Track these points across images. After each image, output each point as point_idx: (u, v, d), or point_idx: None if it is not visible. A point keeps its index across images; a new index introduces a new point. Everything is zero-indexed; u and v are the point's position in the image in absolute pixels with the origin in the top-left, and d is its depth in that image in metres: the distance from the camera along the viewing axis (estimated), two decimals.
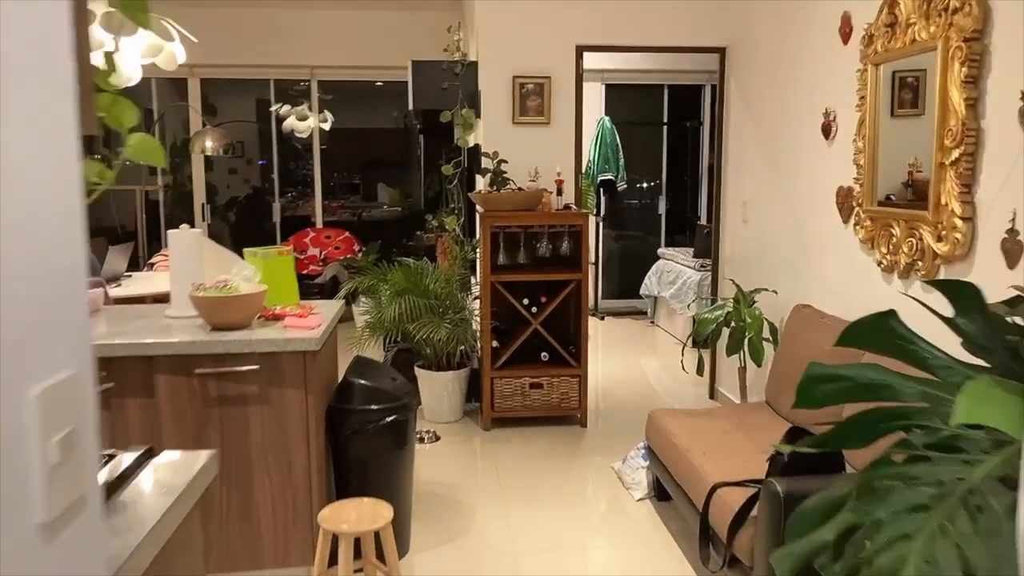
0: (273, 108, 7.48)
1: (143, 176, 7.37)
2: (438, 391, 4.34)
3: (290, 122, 7.52)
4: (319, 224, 7.52)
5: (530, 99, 4.38)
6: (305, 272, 7.09)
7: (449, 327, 4.08)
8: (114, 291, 4.39)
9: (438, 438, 4.14)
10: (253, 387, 2.43)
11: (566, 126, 4.46)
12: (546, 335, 4.20)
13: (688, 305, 5.85)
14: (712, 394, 4.81)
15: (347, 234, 7.34)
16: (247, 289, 2.55)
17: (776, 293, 3.74)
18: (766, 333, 3.56)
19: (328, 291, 6.77)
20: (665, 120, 7.67)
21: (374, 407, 2.71)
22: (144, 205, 7.35)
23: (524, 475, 3.68)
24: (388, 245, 7.70)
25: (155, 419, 2.41)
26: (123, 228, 7.66)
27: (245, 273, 2.61)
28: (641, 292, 6.96)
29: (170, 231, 2.70)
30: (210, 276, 2.71)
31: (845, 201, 3.19)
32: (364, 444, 2.73)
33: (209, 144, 5.90)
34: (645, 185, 7.91)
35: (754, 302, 3.75)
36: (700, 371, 3.94)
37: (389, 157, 9.46)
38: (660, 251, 6.96)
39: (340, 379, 2.85)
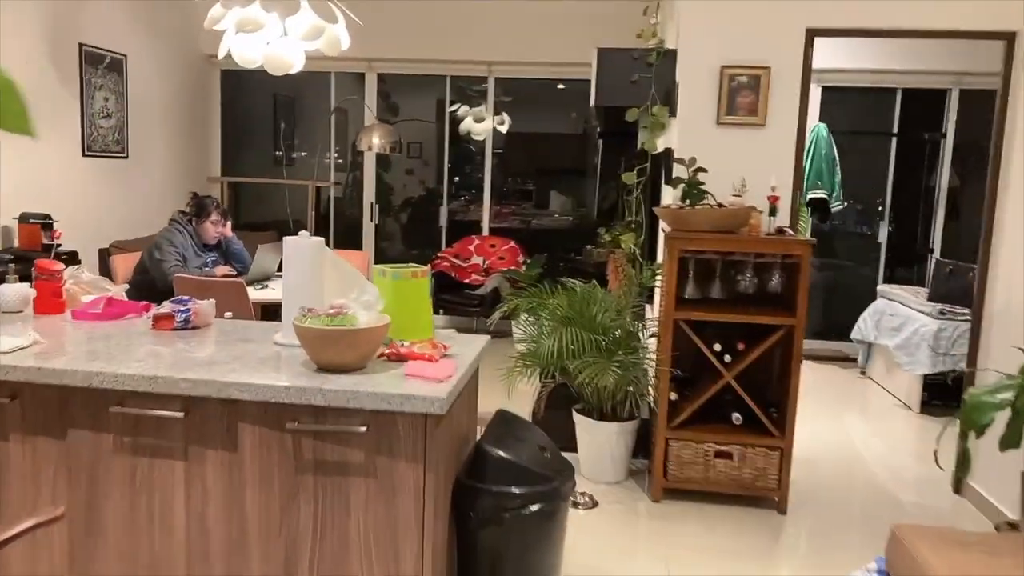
0: (451, 108, 7.15)
1: (315, 171, 7.28)
2: (599, 444, 3.60)
3: (467, 123, 7.12)
4: (485, 231, 7.03)
5: (741, 94, 3.53)
6: (467, 281, 6.64)
7: (618, 371, 3.32)
8: (258, 294, 4.07)
9: (595, 504, 3.40)
10: (358, 453, 1.83)
11: (785, 130, 3.55)
12: (741, 392, 3.33)
13: (949, 372, 4.65)
14: (958, 488, 3.67)
15: (512, 243, 6.80)
16: (365, 321, 1.96)
17: None
18: None
19: (489, 304, 6.26)
20: (895, 131, 6.40)
21: (514, 490, 2.02)
22: (316, 202, 7.22)
23: (701, 570, 2.84)
24: (555, 258, 7.07)
25: (238, 478, 1.88)
26: (296, 223, 7.59)
27: (365, 299, 2.02)
28: (852, 336, 5.78)
29: (286, 238, 2.18)
30: (329, 297, 2.16)
31: None
32: (498, 536, 2.05)
33: (376, 141, 5.56)
34: (861, 206, 6.68)
35: None
36: (962, 470, 2.89)
37: (565, 163, 8.88)
38: (881, 288, 5.75)
39: (476, 441, 2.20)
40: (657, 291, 3.75)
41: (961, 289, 4.93)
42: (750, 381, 3.36)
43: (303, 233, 2.21)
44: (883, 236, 6.51)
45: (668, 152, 3.75)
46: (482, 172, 7.08)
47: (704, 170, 3.39)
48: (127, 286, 4.17)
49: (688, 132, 3.60)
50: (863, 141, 6.50)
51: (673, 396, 3.41)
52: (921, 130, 6.39)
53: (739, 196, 3.35)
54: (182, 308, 2.31)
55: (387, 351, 2.06)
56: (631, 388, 3.52)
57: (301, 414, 1.82)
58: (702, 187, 3.38)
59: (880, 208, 6.52)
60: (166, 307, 2.34)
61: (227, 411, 1.85)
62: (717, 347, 3.34)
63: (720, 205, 3.37)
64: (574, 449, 3.75)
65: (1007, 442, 2.78)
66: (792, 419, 3.30)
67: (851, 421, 4.86)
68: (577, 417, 3.67)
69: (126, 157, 5.92)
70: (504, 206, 7.88)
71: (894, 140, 6.42)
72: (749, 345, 3.34)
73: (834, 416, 4.89)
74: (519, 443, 2.15)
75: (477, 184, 7.17)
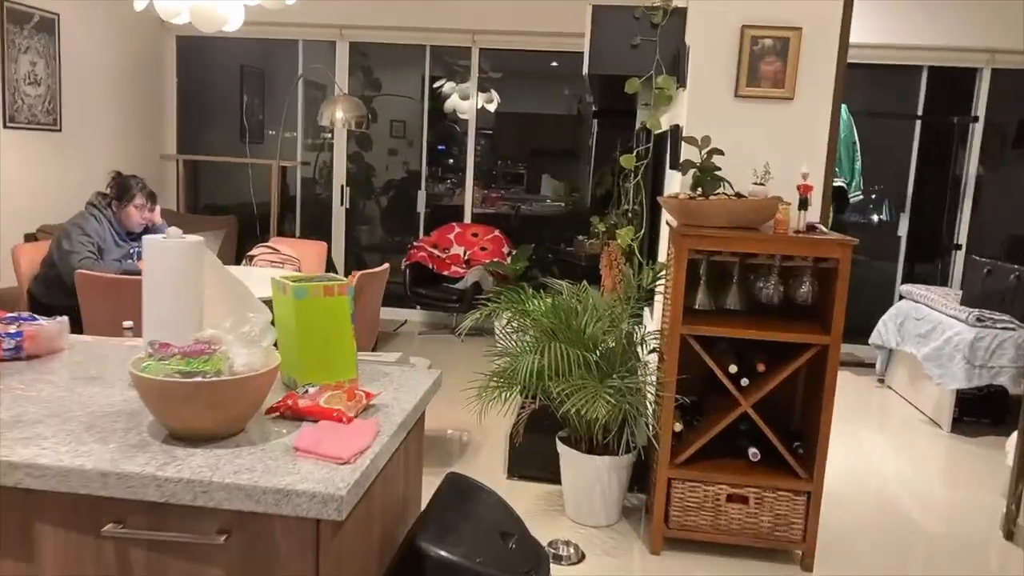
0: (436, 84, 6.50)
1: (278, 150, 6.60)
2: (587, 480, 3.00)
3: (453, 100, 6.48)
4: (467, 218, 6.39)
5: (766, 61, 2.89)
6: (446, 273, 6.01)
7: (611, 399, 2.71)
8: None
9: (582, 557, 2.80)
10: (216, 572, 1.21)
11: (818, 105, 2.91)
12: (760, 423, 2.73)
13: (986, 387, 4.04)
14: (1010, 534, 3.08)
15: (497, 232, 6.16)
16: (241, 363, 1.33)
17: None
18: None
19: (469, 299, 5.65)
20: (919, 113, 5.77)
21: None
22: (282, 183, 6.56)
23: None
24: (544, 249, 6.45)
25: None
26: (260, 206, 6.90)
27: (247, 330, 1.40)
28: (871, 340, 5.20)
29: (145, 237, 1.55)
30: (208, 322, 1.55)
31: None
32: None
33: (340, 115, 4.91)
34: (881, 196, 6.07)
35: None
36: None
37: (559, 145, 8.27)
38: (905, 288, 5.14)
39: (418, 519, 1.58)
40: (659, 296, 3.14)
41: (1001, 293, 4.34)
42: (771, 409, 2.76)
43: (172, 231, 1.58)
44: (903, 229, 5.90)
45: (676, 130, 3.12)
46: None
47: (720, 152, 2.77)
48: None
49: (700, 106, 2.96)
50: (883, 124, 5.88)
51: (678, 427, 2.81)
52: (949, 113, 5.77)
53: (762, 184, 2.73)
54: (11, 331, 1.68)
55: (279, 403, 1.44)
56: (627, 407, 2.90)
57: (129, 513, 1.20)
58: (717, 173, 2.75)
59: (900, 198, 5.90)
60: None
61: (20, 505, 1.23)
62: (732, 368, 2.73)
63: (739, 195, 2.75)
64: (558, 481, 3.16)
65: None
66: (823, 457, 2.70)
67: (873, 441, 4.27)
68: (561, 448, 3.06)
69: (59, 130, 5.25)
70: (493, 190, 7.26)
71: (918, 123, 5.80)
72: (771, 366, 2.74)
73: (853, 435, 4.30)
74: (473, 528, 1.54)
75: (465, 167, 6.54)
